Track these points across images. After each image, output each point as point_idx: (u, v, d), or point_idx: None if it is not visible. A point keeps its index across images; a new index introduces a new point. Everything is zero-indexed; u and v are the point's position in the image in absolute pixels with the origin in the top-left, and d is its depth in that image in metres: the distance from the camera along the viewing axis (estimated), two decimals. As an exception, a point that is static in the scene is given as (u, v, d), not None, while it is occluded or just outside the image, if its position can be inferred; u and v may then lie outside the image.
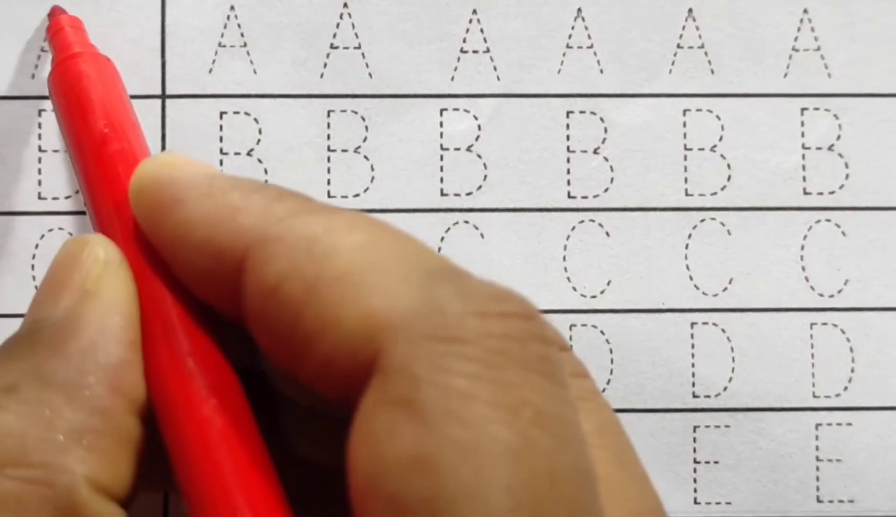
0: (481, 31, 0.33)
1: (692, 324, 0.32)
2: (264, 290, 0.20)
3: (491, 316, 0.19)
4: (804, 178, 0.33)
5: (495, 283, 0.20)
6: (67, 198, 0.32)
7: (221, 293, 0.21)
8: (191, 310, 0.22)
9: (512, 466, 0.17)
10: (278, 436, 0.24)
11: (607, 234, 0.33)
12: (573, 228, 0.33)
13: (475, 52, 0.33)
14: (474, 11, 0.33)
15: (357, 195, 0.32)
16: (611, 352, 0.32)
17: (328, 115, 0.32)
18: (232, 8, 0.32)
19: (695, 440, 0.32)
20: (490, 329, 0.18)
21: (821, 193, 0.33)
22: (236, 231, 0.21)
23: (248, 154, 0.32)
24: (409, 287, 0.19)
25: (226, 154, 0.32)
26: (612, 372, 0.32)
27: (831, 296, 0.33)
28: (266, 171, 0.32)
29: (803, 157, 0.33)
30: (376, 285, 0.19)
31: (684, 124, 0.33)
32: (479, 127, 0.33)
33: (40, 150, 0.32)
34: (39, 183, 0.32)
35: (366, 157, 0.32)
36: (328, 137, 0.32)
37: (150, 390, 0.21)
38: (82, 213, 0.32)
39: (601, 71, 0.33)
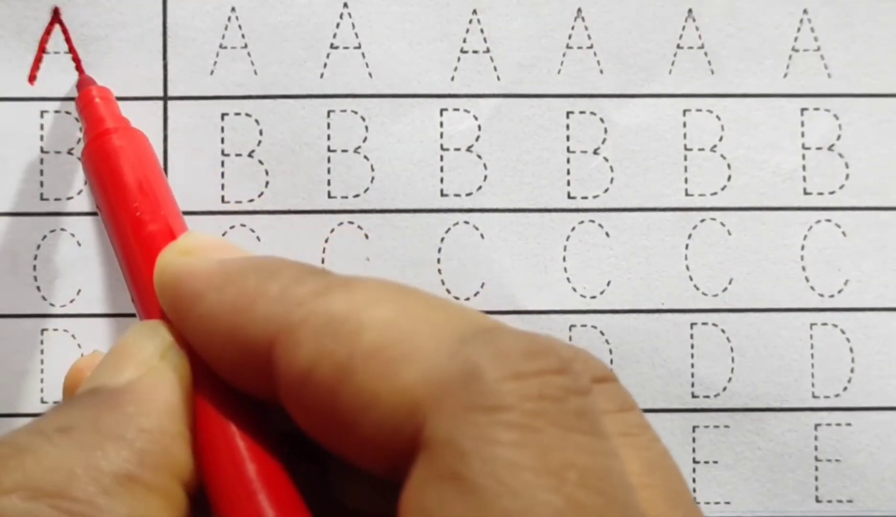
0: (481, 31, 0.33)
1: (692, 325, 0.32)
2: (297, 377, 0.20)
3: (527, 376, 0.19)
4: (804, 179, 0.33)
5: (528, 335, 0.20)
6: (69, 199, 0.32)
7: (253, 380, 0.21)
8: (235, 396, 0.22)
9: None
10: (327, 488, 0.24)
11: (607, 234, 0.33)
12: (573, 229, 0.33)
13: (475, 52, 0.33)
14: (474, 11, 0.33)
15: (357, 195, 0.32)
16: (610, 352, 0.32)
17: (328, 116, 0.32)
18: (233, 9, 0.32)
19: (694, 440, 0.32)
20: (527, 391, 0.19)
21: (821, 193, 0.33)
22: (259, 320, 0.21)
23: (249, 155, 0.32)
24: (442, 356, 0.19)
25: (227, 155, 0.32)
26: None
27: (831, 296, 0.33)
28: (267, 172, 0.32)
29: (803, 157, 0.33)
30: (409, 358, 0.19)
31: (684, 124, 0.33)
32: (479, 127, 0.33)
33: (42, 151, 0.32)
34: (41, 184, 0.32)
35: (366, 157, 0.32)
36: (328, 138, 0.32)
37: (199, 464, 0.22)
38: (84, 213, 0.32)
39: (601, 71, 0.33)
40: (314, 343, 0.20)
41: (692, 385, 0.32)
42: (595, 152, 0.33)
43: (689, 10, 0.33)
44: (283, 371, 0.20)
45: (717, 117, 0.33)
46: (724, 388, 0.32)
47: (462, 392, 0.19)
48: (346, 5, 0.32)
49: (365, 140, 0.32)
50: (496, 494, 0.18)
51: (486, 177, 0.33)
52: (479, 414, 0.18)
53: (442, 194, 0.32)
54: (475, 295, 0.32)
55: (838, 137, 0.33)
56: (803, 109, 0.33)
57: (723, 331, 0.32)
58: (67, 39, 0.32)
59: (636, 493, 0.19)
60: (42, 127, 0.32)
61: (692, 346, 0.32)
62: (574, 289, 0.32)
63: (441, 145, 0.32)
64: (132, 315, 0.32)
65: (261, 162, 0.32)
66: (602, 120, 0.33)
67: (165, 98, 0.32)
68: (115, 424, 0.21)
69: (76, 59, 0.32)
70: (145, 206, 0.26)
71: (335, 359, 0.20)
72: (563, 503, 0.18)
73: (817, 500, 0.32)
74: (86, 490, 0.20)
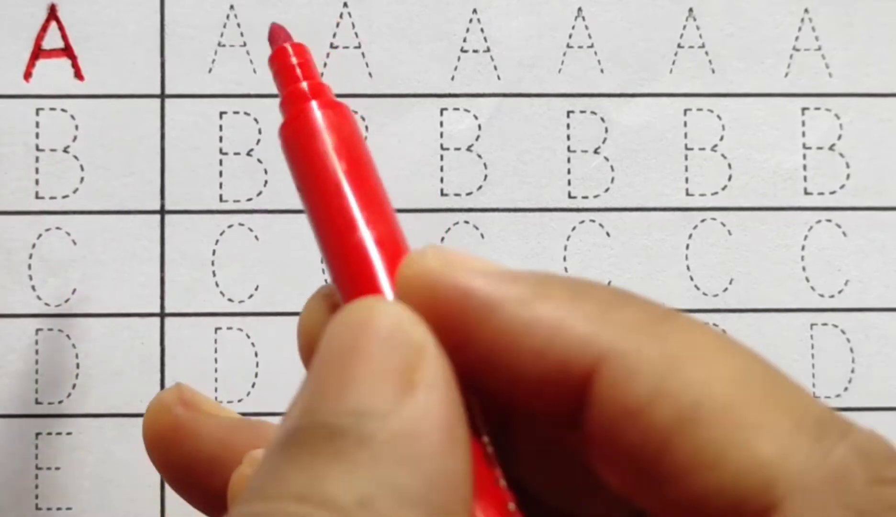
0: (481, 30, 0.33)
1: (693, 325, 0.32)
2: (625, 410, 0.18)
3: (889, 483, 0.18)
4: (805, 178, 0.33)
5: (880, 438, 0.19)
6: (65, 197, 0.32)
7: (553, 405, 0.19)
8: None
9: None
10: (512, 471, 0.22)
11: (608, 234, 0.32)
12: (573, 228, 0.32)
13: (475, 51, 0.32)
14: (474, 11, 0.33)
15: (357, 195, 0.32)
16: (611, 352, 0.32)
17: (328, 115, 0.32)
18: (231, 7, 0.32)
19: (696, 441, 0.32)
20: (890, 500, 0.18)
21: (821, 193, 0.33)
22: (581, 338, 0.18)
23: (248, 154, 0.32)
24: (803, 436, 0.18)
25: (225, 154, 0.32)
26: (612, 372, 0.32)
27: (831, 296, 0.33)
28: (266, 171, 0.32)
29: (804, 156, 0.33)
30: (765, 426, 0.18)
31: (685, 124, 0.33)
32: (479, 127, 0.32)
33: (38, 149, 0.32)
34: (37, 182, 0.32)
35: (366, 156, 0.32)
36: (328, 137, 0.32)
37: None
38: (79, 212, 0.32)
39: (601, 71, 0.33)
40: (653, 377, 0.18)
41: (693, 385, 0.32)
42: (595, 152, 0.33)
43: (690, 10, 0.33)
44: (608, 402, 0.18)
45: (718, 117, 0.33)
46: (726, 389, 0.32)
47: (828, 486, 0.18)
48: (346, 5, 0.32)
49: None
50: None
51: (486, 176, 0.32)
52: (845, 511, 0.17)
53: (442, 194, 0.32)
54: (475, 295, 0.32)
55: (839, 137, 0.33)
56: (804, 109, 0.33)
57: (723, 331, 0.32)
58: (64, 37, 0.32)
59: None
60: (37, 124, 0.32)
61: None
62: (574, 290, 0.32)
63: (441, 145, 0.32)
64: (130, 314, 0.32)
65: (259, 161, 0.32)
66: (603, 119, 0.33)
67: (163, 96, 0.32)
68: (414, 485, 0.17)
69: (72, 57, 0.32)
70: (360, 199, 0.21)
71: (679, 403, 0.18)
72: None
73: (818, 501, 0.32)
74: None
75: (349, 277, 0.20)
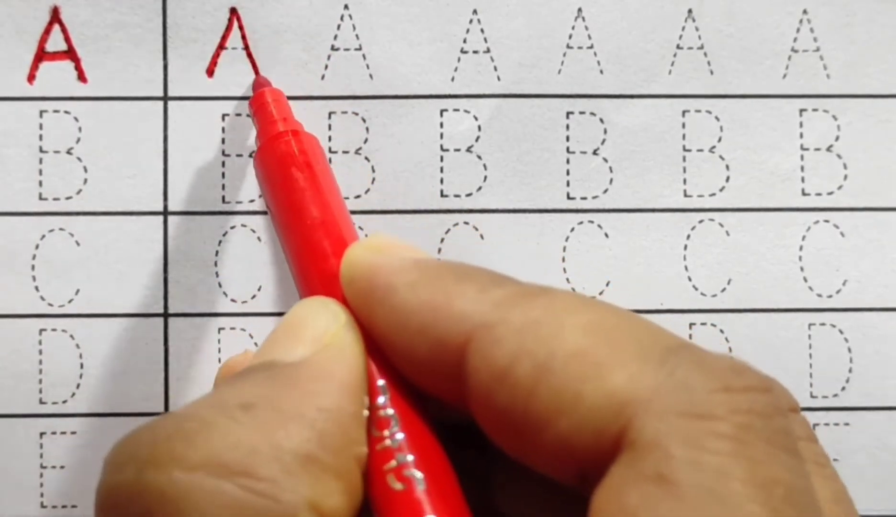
0: (481, 31, 0.33)
1: (690, 325, 0.33)
2: (492, 374, 0.20)
3: (735, 390, 0.19)
4: (803, 179, 0.33)
5: (729, 356, 0.20)
6: (68, 198, 0.32)
7: (440, 378, 0.21)
8: (399, 383, 0.22)
9: None
10: (488, 492, 0.24)
11: (606, 234, 0.33)
12: (572, 229, 0.33)
13: (475, 52, 0.33)
14: (474, 11, 0.33)
15: (358, 196, 0.32)
16: (610, 352, 0.32)
17: (329, 117, 0.32)
18: (233, 10, 0.32)
19: (694, 440, 0.32)
20: (737, 404, 0.19)
21: (819, 194, 0.33)
22: (455, 317, 0.21)
23: (251, 156, 0.32)
24: (649, 363, 0.19)
25: (227, 156, 0.32)
26: (611, 372, 0.32)
27: (829, 296, 0.33)
28: (267, 173, 0.32)
29: (802, 157, 0.33)
30: (615, 362, 0.19)
31: (683, 125, 0.33)
32: (479, 127, 0.33)
33: (41, 150, 0.32)
34: (40, 183, 0.32)
35: (367, 158, 0.32)
36: (329, 139, 0.32)
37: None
38: (82, 213, 0.32)
39: (601, 71, 0.33)
40: (513, 342, 0.20)
41: (692, 385, 0.32)
42: (594, 153, 0.33)
43: (689, 11, 0.33)
44: (478, 369, 0.20)
45: (716, 118, 0.33)
46: (724, 388, 0.32)
47: (672, 398, 0.19)
48: (346, 7, 0.32)
49: (366, 141, 0.32)
50: (703, 499, 0.18)
51: (486, 177, 0.33)
52: (690, 420, 0.18)
53: (442, 195, 0.32)
54: (475, 295, 0.32)
55: (837, 138, 0.33)
56: (802, 110, 0.33)
57: (721, 331, 0.33)
58: (67, 39, 0.32)
59: None
60: (41, 126, 0.32)
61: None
62: (573, 290, 0.33)
63: (441, 146, 0.32)
64: (131, 315, 0.32)
65: (261, 162, 0.32)
66: (602, 120, 0.33)
67: (166, 98, 0.32)
68: (296, 403, 0.21)
69: (75, 60, 0.32)
70: (320, 210, 0.26)
71: (535, 358, 0.20)
72: (770, 515, 0.18)
73: (815, 499, 0.32)
74: (269, 469, 0.20)
75: (302, 273, 0.25)
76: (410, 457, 0.21)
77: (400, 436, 0.21)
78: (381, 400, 0.22)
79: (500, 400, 0.20)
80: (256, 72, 0.32)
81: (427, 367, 0.21)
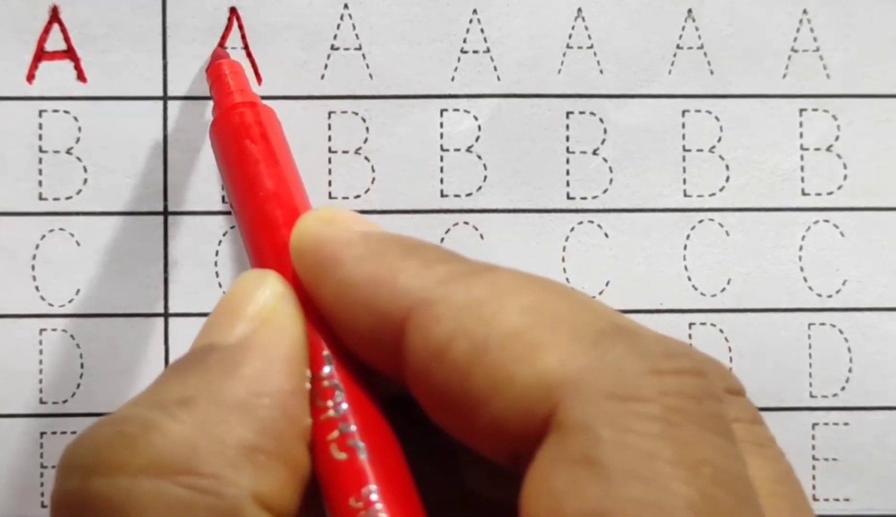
0: (481, 31, 0.33)
1: (690, 325, 0.33)
2: (430, 351, 0.20)
3: (666, 373, 0.19)
4: (802, 179, 0.33)
5: (665, 338, 0.20)
6: (68, 198, 0.32)
7: (382, 353, 0.21)
8: (345, 355, 0.22)
9: None
10: (456, 473, 0.24)
11: (606, 234, 0.33)
12: (572, 229, 0.33)
13: (475, 52, 0.33)
14: (474, 11, 0.33)
15: (358, 196, 0.32)
16: (610, 352, 0.32)
17: (329, 117, 0.32)
18: (233, 10, 0.32)
19: (693, 440, 0.32)
20: (666, 387, 0.19)
21: (819, 194, 0.33)
22: (398, 292, 0.21)
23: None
24: (582, 345, 0.19)
25: (227, 156, 0.32)
26: (611, 372, 0.32)
27: (829, 296, 0.33)
28: (267, 173, 0.32)
29: (802, 157, 0.33)
30: (549, 344, 0.19)
31: (683, 125, 0.33)
32: (479, 127, 0.33)
33: (41, 150, 0.32)
34: (40, 183, 0.32)
35: (366, 158, 0.32)
36: (329, 139, 0.32)
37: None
38: (82, 213, 0.32)
39: (601, 71, 0.33)
40: (452, 320, 0.20)
41: (691, 385, 0.32)
42: (594, 152, 0.33)
43: (689, 11, 0.33)
44: (416, 346, 0.20)
45: (716, 118, 0.33)
46: (723, 388, 0.32)
47: (601, 380, 0.19)
48: (346, 6, 0.32)
49: (366, 141, 0.32)
50: (629, 481, 0.18)
51: (485, 177, 0.33)
52: (618, 402, 0.18)
53: (442, 195, 0.32)
54: (475, 295, 0.32)
55: (837, 138, 0.33)
56: (802, 110, 0.33)
57: (721, 331, 0.33)
58: (66, 39, 0.32)
59: (761, 499, 0.19)
60: (41, 126, 0.32)
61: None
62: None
63: (441, 146, 0.32)
64: (131, 315, 0.32)
65: (261, 162, 0.32)
66: (602, 120, 0.33)
67: (165, 98, 0.32)
68: (235, 392, 0.21)
69: (75, 59, 0.32)
70: (274, 181, 0.25)
71: (473, 337, 0.20)
72: (697, 496, 0.18)
73: (814, 499, 0.32)
74: (211, 464, 0.20)
75: (254, 245, 0.25)
76: (353, 428, 0.21)
77: (344, 406, 0.21)
78: (326, 370, 0.22)
79: (438, 378, 0.20)
80: (256, 72, 0.32)
81: (369, 342, 0.21)
